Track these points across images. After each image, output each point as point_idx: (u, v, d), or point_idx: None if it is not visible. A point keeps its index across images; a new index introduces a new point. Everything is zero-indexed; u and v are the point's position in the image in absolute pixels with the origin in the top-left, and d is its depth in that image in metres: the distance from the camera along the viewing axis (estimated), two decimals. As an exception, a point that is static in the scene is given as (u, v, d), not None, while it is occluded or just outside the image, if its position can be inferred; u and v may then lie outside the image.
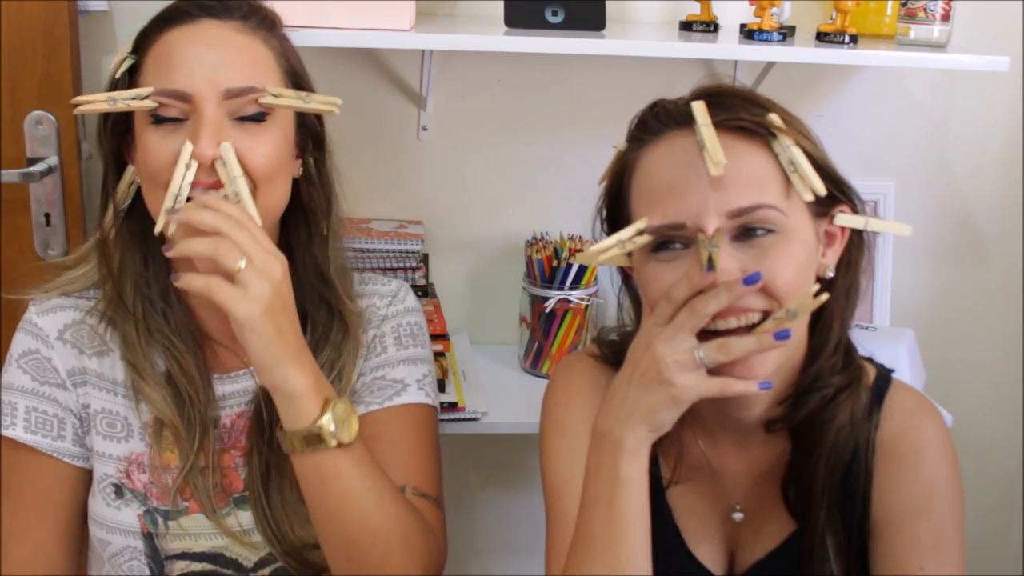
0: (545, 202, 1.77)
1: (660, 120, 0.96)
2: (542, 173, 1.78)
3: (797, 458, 1.00)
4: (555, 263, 1.65)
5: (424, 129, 1.73)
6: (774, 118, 0.92)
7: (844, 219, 0.96)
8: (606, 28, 1.50)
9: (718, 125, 0.92)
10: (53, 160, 1.47)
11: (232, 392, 1.11)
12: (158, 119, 0.98)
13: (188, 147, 0.95)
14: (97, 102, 1.00)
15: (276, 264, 0.93)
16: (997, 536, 2.07)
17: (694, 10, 1.64)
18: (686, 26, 1.63)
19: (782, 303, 0.89)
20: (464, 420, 1.52)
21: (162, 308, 1.07)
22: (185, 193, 0.95)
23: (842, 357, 0.99)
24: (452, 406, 1.52)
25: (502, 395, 1.61)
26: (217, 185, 0.97)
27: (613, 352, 1.09)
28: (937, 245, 1.92)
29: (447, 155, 1.75)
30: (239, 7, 1.04)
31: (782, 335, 0.88)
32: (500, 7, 1.50)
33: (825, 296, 0.89)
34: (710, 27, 1.61)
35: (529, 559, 1.88)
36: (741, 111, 0.93)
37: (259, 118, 1.00)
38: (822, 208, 0.95)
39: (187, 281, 0.92)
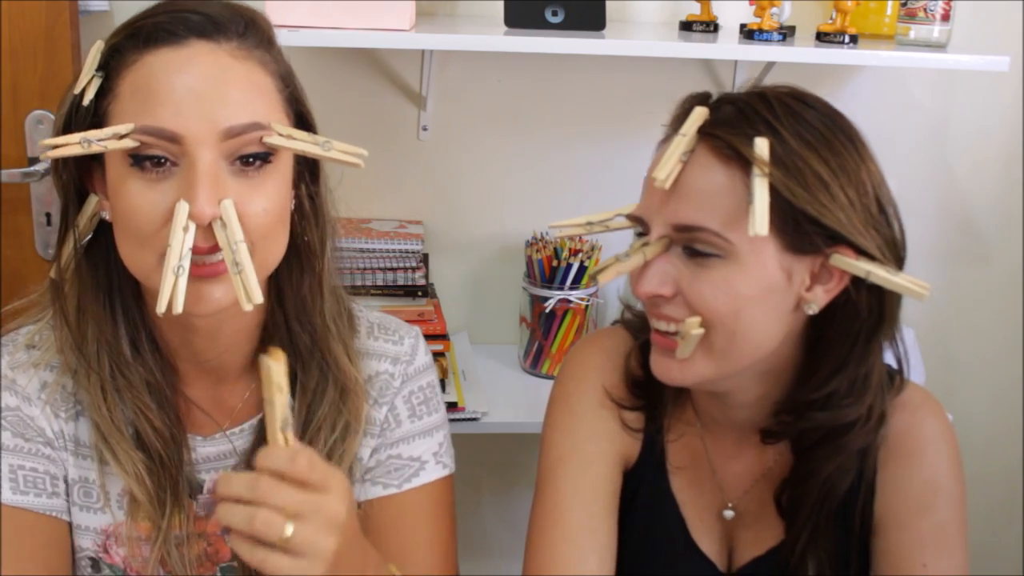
0: (545, 202, 1.77)
1: (677, 118, 0.94)
2: (542, 173, 1.78)
3: (795, 473, 0.99)
4: (555, 263, 1.65)
5: (424, 129, 1.73)
6: (759, 143, 0.85)
7: (841, 261, 0.89)
8: (606, 28, 1.51)
9: (702, 133, 0.89)
10: (54, 160, 1.47)
11: (215, 455, 1.00)
12: (138, 159, 0.83)
13: (184, 207, 0.81)
14: (69, 145, 0.84)
15: (335, 503, 0.76)
16: (997, 535, 2.07)
17: (694, 10, 1.64)
18: (686, 26, 1.63)
19: (710, 324, 0.89)
20: (464, 420, 1.52)
21: (132, 361, 0.94)
22: (187, 263, 0.82)
23: (852, 395, 0.94)
24: (452, 406, 1.52)
25: (502, 395, 1.62)
26: (215, 249, 0.84)
27: (638, 320, 1.08)
28: (937, 245, 1.92)
29: (447, 155, 1.75)
30: (234, 21, 0.87)
31: None
32: (500, 7, 1.50)
33: (699, 331, 0.89)
34: (710, 27, 1.61)
35: (529, 559, 1.88)
36: (727, 127, 0.88)
37: (263, 158, 0.86)
38: (802, 244, 0.89)
39: (235, 547, 0.76)
